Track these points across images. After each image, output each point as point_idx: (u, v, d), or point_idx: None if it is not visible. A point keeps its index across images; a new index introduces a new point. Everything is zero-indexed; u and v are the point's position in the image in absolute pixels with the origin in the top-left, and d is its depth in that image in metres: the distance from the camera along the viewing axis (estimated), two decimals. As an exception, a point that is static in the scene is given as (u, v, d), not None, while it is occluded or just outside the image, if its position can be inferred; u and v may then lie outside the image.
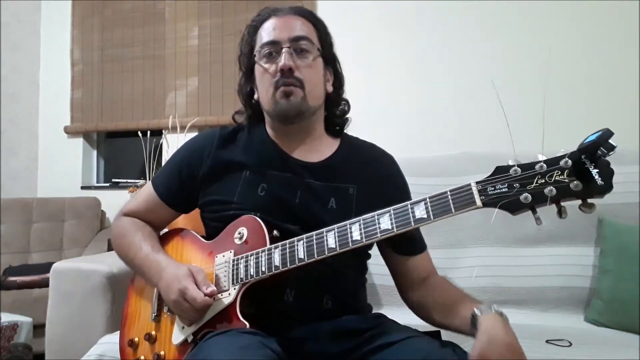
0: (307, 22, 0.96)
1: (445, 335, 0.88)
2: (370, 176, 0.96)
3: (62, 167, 3.01)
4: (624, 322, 1.23)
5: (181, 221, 1.12)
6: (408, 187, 1.02)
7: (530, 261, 1.41)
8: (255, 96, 0.99)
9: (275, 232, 0.86)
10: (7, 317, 1.77)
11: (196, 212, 1.04)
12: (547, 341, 1.09)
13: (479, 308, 0.75)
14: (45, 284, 1.75)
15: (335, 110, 1.02)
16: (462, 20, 2.27)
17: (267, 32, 0.94)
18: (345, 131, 1.05)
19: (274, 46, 0.92)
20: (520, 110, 1.91)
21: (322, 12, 0.97)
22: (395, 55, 2.38)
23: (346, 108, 1.04)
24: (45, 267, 1.82)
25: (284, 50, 0.90)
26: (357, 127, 1.08)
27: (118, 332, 1.03)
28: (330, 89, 1.00)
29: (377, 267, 1.00)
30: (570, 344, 1.07)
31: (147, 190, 1.04)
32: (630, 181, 1.37)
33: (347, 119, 1.04)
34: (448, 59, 2.29)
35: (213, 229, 0.95)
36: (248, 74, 1.00)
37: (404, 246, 0.96)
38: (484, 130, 2.17)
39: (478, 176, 0.68)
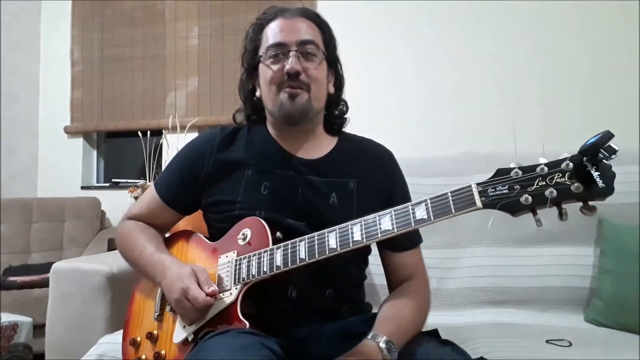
0: (313, 25, 0.97)
1: (445, 334, 0.88)
2: (370, 170, 0.97)
3: (62, 167, 3.01)
4: (624, 322, 1.23)
5: (182, 223, 1.12)
6: (406, 181, 1.03)
7: (530, 261, 1.41)
8: (257, 94, 1.00)
9: (278, 233, 0.86)
10: (7, 317, 1.76)
11: (197, 214, 1.04)
12: (547, 341, 1.09)
13: (376, 335, 0.78)
14: (45, 284, 1.74)
15: (334, 111, 1.04)
16: (462, 19, 2.27)
17: (273, 32, 0.95)
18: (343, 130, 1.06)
19: (281, 48, 0.93)
20: (520, 110, 1.91)
21: (322, 11, 0.97)
22: (395, 55, 2.37)
23: (345, 109, 1.06)
24: (45, 267, 1.81)
25: (291, 53, 0.91)
26: (357, 128, 1.09)
27: (118, 332, 1.03)
28: (332, 90, 1.01)
29: (377, 267, 1.00)
30: (570, 344, 1.07)
31: (150, 193, 1.05)
32: (630, 181, 1.37)
33: (345, 118, 1.06)
34: (448, 59, 2.28)
35: (218, 230, 0.95)
36: (250, 71, 1.01)
37: (389, 241, 0.92)
38: (484, 130, 2.17)
39: (478, 176, 0.68)
